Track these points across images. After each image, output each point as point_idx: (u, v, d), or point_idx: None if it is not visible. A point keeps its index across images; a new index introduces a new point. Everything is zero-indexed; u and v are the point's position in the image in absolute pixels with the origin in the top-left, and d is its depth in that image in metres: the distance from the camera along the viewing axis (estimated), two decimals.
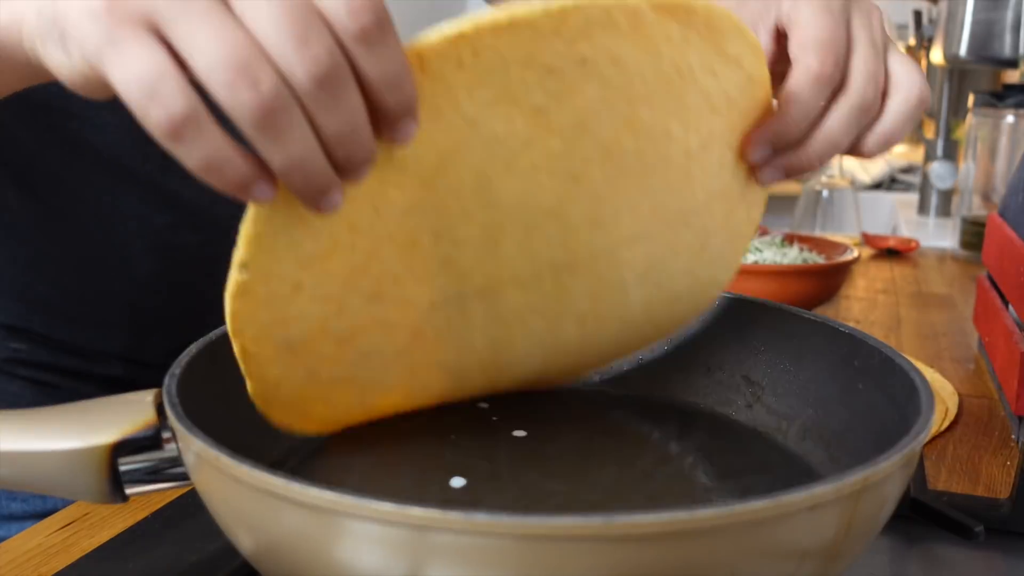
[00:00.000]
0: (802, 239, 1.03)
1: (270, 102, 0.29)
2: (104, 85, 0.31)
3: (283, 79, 0.29)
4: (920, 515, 0.47)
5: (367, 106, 0.32)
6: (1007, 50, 1.30)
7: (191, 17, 0.29)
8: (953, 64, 1.37)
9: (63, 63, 0.33)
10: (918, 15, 1.74)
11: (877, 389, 0.44)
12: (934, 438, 0.64)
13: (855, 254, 0.92)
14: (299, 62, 0.29)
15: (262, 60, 0.29)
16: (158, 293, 0.69)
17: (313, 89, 0.29)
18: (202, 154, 0.30)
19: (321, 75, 0.29)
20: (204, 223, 0.67)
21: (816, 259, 0.95)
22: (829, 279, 0.90)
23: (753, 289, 0.85)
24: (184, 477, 0.39)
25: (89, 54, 0.31)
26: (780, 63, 0.46)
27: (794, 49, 0.43)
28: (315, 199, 0.33)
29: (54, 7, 0.32)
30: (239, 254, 0.36)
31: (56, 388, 0.69)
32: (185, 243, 0.68)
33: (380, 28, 0.30)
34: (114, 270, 0.67)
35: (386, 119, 0.33)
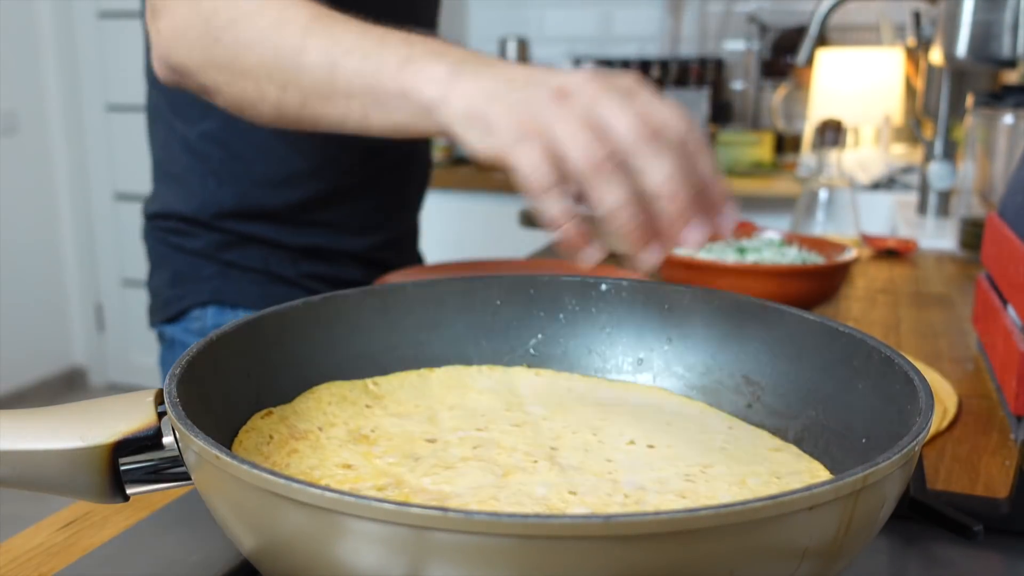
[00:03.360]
0: (802, 239, 1.03)
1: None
2: (502, 162, 0.50)
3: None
4: (919, 515, 0.47)
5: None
6: (1006, 51, 1.30)
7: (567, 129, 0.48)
8: (952, 65, 1.37)
9: (478, 142, 0.52)
10: (917, 16, 1.74)
11: (876, 389, 0.44)
12: (933, 438, 0.64)
13: (854, 254, 0.93)
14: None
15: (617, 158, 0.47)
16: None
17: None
18: (555, 209, 0.49)
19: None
20: None
21: (816, 259, 0.95)
22: (828, 279, 0.90)
23: (753, 289, 0.85)
24: (184, 477, 0.39)
25: (502, 146, 0.50)
26: None
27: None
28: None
29: (483, 110, 0.52)
30: None
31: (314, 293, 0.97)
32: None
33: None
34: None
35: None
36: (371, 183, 1.04)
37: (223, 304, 0.98)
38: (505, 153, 0.49)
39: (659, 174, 0.46)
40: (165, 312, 1.01)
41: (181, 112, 0.97)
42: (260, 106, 0.66)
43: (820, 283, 0.89)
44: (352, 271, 1.05)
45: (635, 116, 0.47)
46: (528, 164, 0.48)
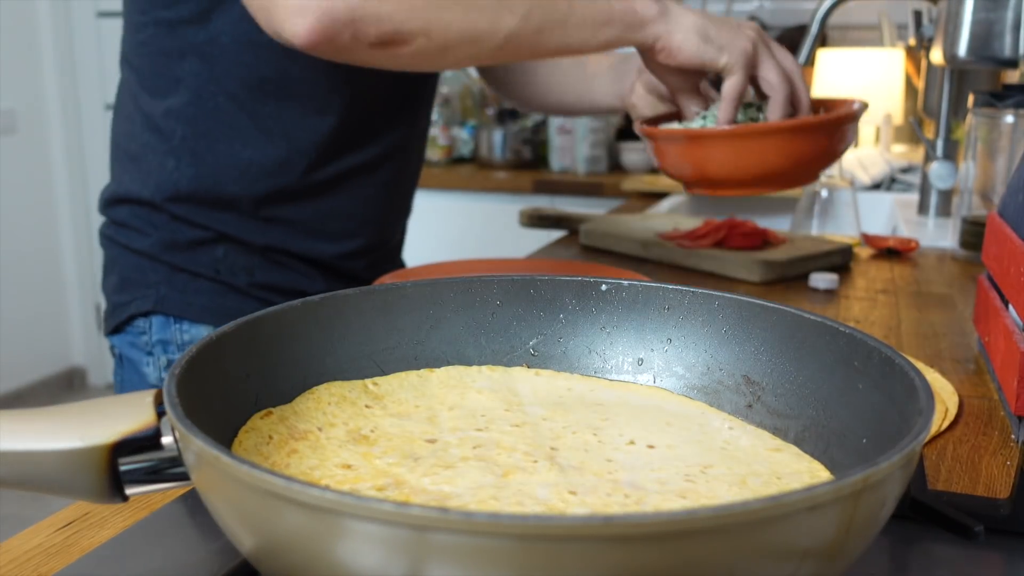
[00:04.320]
0: None
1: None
2: (713, 67, 0.82)
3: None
4: (920, 515, 0.47)
5: None
6: (1007, 50, 1.30)
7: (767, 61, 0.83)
8: (953, 64, 1.37)
9: (702, 50, 0.80)
10: (918, 15, 1.74)
11: (877, 389, 0.44)
12: (934, 438, 0.64)
13: (861, 105, 0.84)
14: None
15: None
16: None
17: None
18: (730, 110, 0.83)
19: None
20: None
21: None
22: (835, 135, 0.80)
23: (752, 157, 0.80)
24: (184, 477, 0.39)
25: (733, 60, 0.80)
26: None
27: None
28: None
29: (711, 33, 0.81)
30: None
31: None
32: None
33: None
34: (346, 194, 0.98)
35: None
36: (346, 182, 0.97)
37: (167, 315, 0.92)
38: (730, 67, 0.80)
39: (799, 84, 0.84)
40: (112, 320, 0.96)
41: (148, 86, 0.92)
42: (486, 38, 0.76)
43: (826, 141, 0.80)
44: (314, 282, 0.97)
45: (787, 58, 0.84)
46: (740, 81, 0.81)
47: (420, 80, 0.99)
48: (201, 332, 0.92)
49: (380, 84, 0.88)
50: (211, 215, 0.92)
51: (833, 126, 0.81)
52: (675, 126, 0.88)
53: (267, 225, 0.94)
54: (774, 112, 0.81)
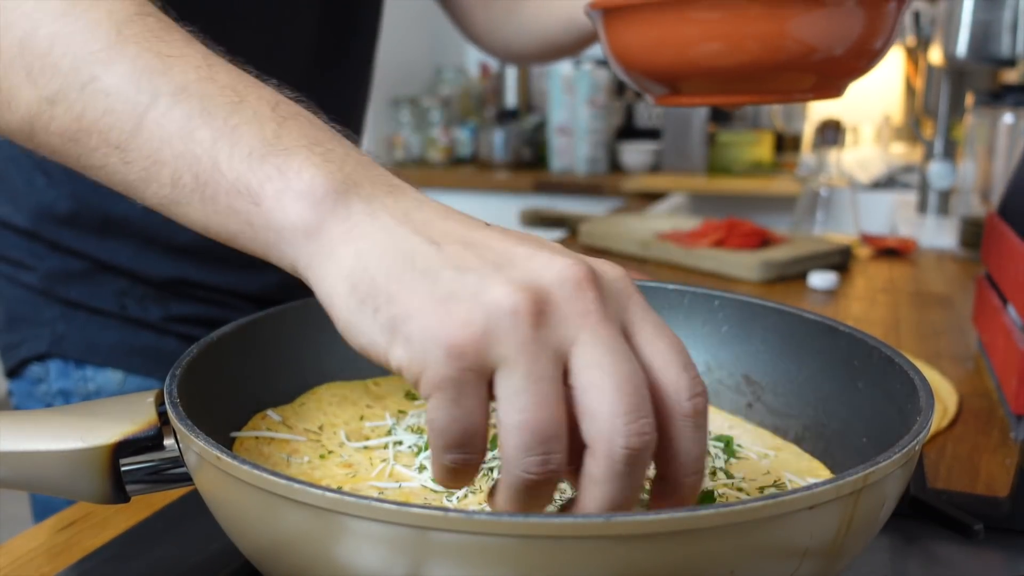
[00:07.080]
0: None
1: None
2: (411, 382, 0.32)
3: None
4: (920, 514, 0.47)
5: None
6: (1005, 50, 1.31)
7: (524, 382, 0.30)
8: (952, 64, 1.37)
9: (373, 340, 0.32)
10: (916, 15, 1.75)
11: (877, 388, 0.44)
12: (933, 437, 0.64)
13: None
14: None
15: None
16: None
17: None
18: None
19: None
20: None
21: None
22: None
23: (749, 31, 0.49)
24: (185, 477, 0.39)
25: (421, 379, 0.31)
26: None
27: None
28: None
29: (386, 287, 0.32)
30: None
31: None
32: None
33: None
34: None
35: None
36: None
37: (67, 358, 0.75)
38: (414, 378, 0.31)
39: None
40: (4, 363, 0.79)
41: None
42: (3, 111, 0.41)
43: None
44: (247, 313, 0.71)
45: (630, 387, 0.30)
46: (441, 418, 0.31)
47: (317, 69, 0.78)
48: (111, 379, 0.76)
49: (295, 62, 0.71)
50: (99, 243, 0.74)
51: None
52: None
53: (171, 254, 0.76)
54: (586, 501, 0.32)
